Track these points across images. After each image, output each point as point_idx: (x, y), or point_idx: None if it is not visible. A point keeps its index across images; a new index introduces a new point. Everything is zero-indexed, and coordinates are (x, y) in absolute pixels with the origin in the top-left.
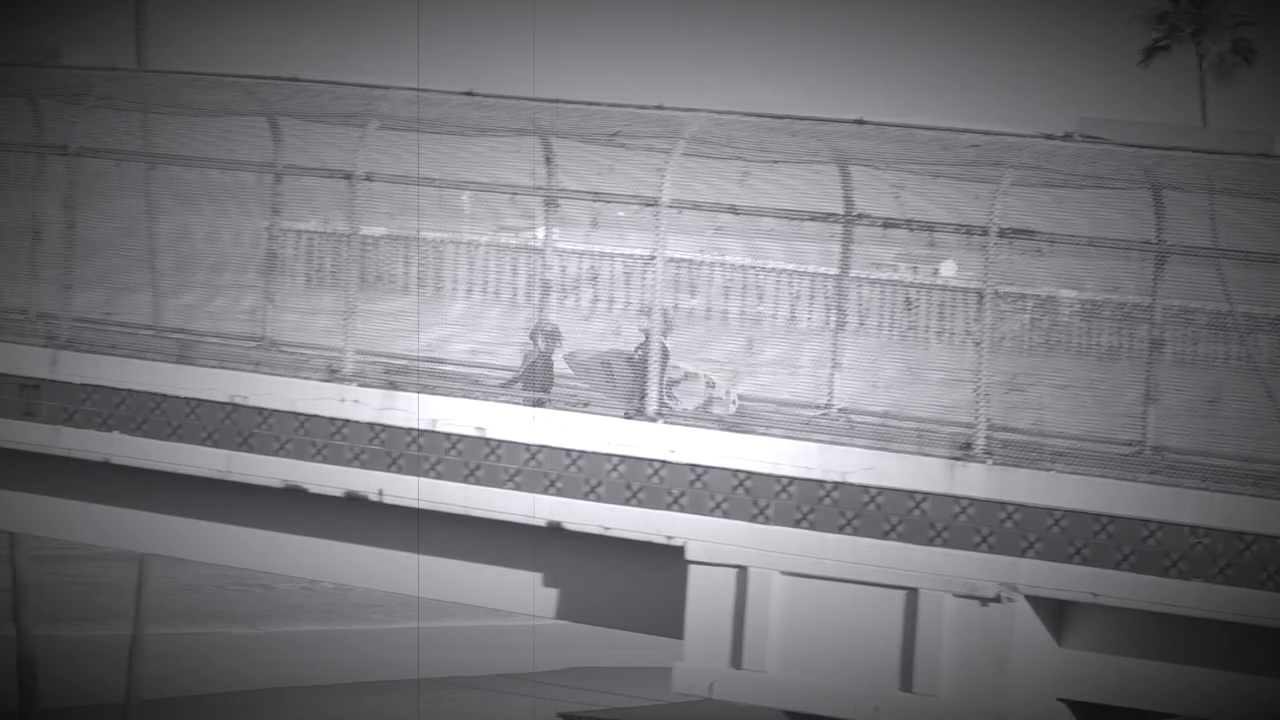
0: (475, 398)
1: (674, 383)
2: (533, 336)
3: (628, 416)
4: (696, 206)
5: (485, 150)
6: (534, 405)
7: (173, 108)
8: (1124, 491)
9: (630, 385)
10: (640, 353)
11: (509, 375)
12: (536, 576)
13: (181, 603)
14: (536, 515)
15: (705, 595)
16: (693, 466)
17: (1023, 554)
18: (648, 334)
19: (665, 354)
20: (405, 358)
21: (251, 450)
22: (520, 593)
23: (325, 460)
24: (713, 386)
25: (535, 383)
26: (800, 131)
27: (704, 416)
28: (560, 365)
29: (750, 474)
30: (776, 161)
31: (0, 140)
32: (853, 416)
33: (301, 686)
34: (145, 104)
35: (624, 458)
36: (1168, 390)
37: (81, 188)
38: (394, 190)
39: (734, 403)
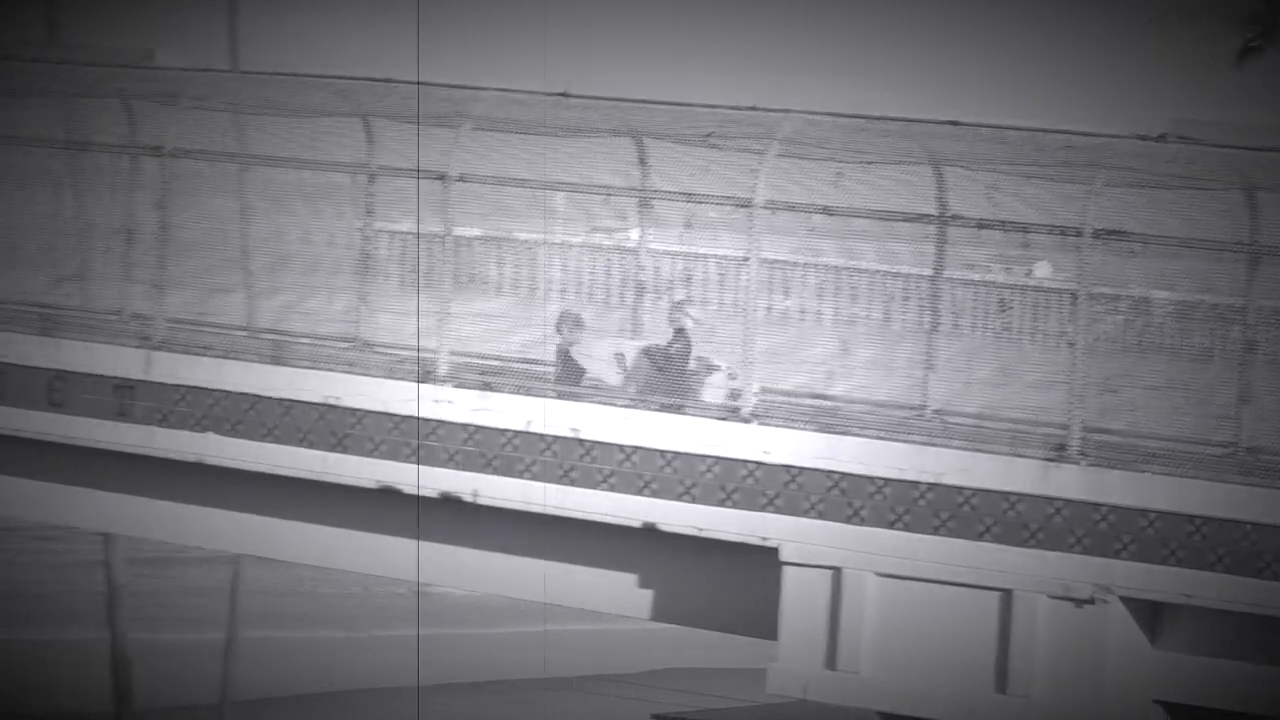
0: (569, 399)
1: (694, 374)
2: (558, 328)
3: (722, 418)
4: (790, 207)
5: (578, 151)
6: (559, 397)
7: (266, 109)
8: (1218, 493)
9: (650, 378)
10: (674, 346)
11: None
12: (631, 577)
13: (277, 606)
14: (631, 516)
15: (800, 596)
16: (787, 468)
17: (1117, 555)
18: (681, 327)
19: (688, 346)
20: (499, 358)
21: (345, 451)
22: (615, 594)
23: (421, 461)
24: (735, 379)
25: (566, 374)
26: (894, 132)
27: (719, 409)
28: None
29: (845, 475)
30: (870, 162)
31: (94, 141)
32: (947, 418)
33: (397, 688)
34: (239, 105)
35: (718, 459)
36: (1261, 392)
37: (175, 188)
38: (487, 191)
39: (755, 394)
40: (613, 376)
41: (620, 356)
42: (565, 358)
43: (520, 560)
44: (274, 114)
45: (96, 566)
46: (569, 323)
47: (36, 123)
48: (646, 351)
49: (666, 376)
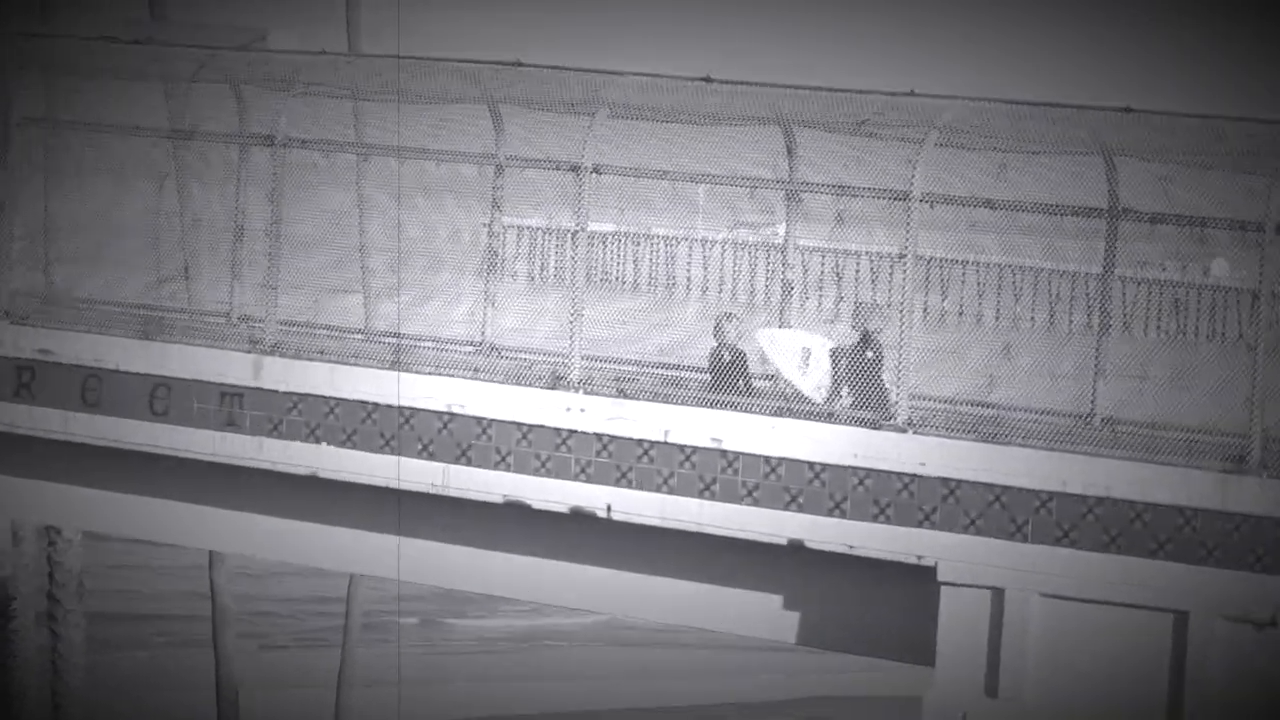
0: (710, 406)
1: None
2: (717, 331)
3: (875, 427)
4: (950, 201)
5: (722, 140)
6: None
7: (386, 94)
8: None
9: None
10: (867, 352)
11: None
12: (777, 599)
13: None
14: (777, 533)
15: (958, 618)
16: (944, 481)
17: None
18: (866, 333)
19: (881, 353)
20: (635, 363)
21: (470, 463)
22: (760, 616)
23: (549, 474)
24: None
25: (725, 379)
26: (1062, 120)
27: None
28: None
29: (1006, 489)
30: (1036, 152)
31: (201, 129)
32: (1117, 427)
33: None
34: (356, 90)
35: (870, 471)
36: None
37: (288, 181)
38: (623, 183)
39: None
40: (800, 378)
41: (807, 352)
42: (735, 357)
43: (659, 581)
44: (394, 100)
45: (201, 585)
46: (732, 323)
47: (138, 109)
48: (834, 354)
49: (857, 386)
